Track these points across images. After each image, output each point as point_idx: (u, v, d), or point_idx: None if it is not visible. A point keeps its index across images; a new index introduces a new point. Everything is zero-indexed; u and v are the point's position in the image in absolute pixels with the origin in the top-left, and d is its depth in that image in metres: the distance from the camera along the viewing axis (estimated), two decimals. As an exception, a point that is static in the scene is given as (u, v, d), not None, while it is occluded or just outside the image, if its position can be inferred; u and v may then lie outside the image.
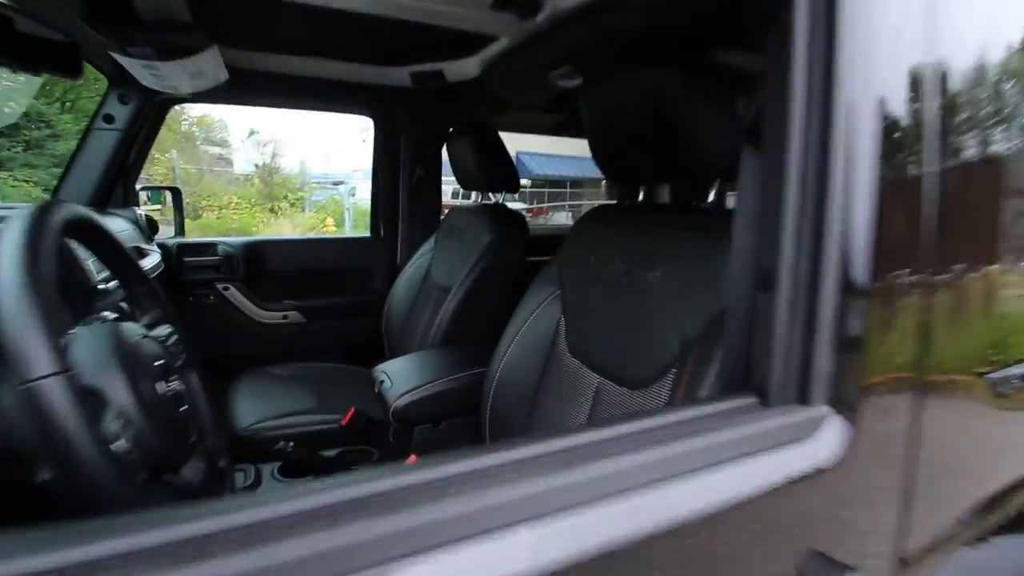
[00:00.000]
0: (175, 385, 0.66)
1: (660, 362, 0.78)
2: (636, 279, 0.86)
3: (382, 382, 1.26)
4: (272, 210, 12.01)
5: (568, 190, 18.32)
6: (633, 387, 0.83)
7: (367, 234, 2.15)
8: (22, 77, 1.16)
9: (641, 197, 0.97)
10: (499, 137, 1.58)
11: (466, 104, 1.91)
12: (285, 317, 1.89)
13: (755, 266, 0.49)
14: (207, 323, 1.79)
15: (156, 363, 0.63)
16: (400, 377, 1.25)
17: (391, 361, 1.36)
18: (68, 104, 11.05)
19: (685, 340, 0.75)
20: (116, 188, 1.65)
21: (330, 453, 1.33)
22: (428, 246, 1.77)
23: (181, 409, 0.65)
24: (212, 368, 1.83)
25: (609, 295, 0.90)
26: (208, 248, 1.81)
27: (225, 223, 10.54)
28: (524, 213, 1.70)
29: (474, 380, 1.23)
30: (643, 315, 0.83)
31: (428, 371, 1.27)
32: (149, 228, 1.64)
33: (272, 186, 12.79)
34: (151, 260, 1.49)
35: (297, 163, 14.57)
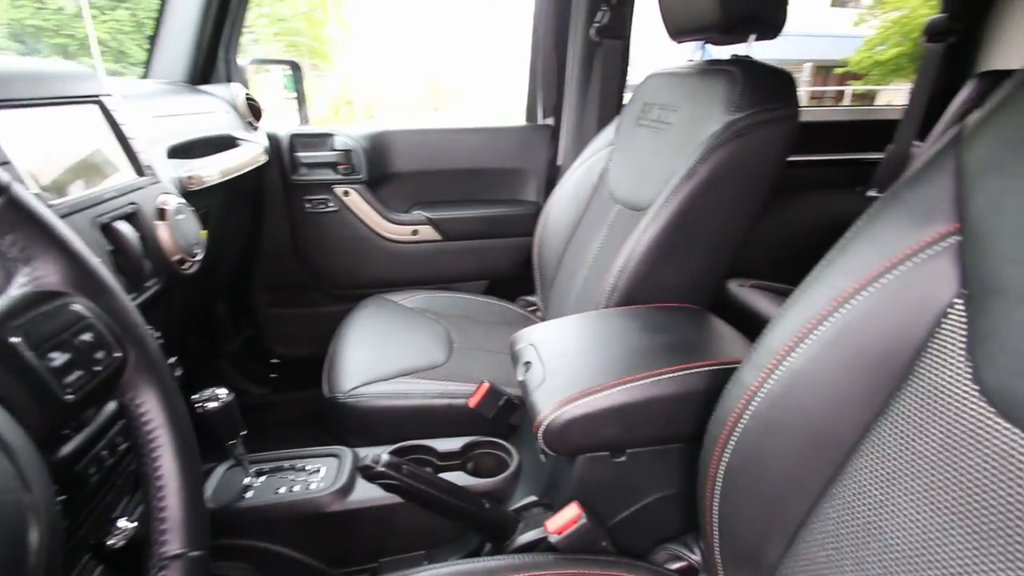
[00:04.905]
0: None
1: None
2: None
3: (527, 365, 0.74)
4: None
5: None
6: None
7: (522, 122, 1.57)
8: None
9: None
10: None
11: None
12: (415, 232, 1.46)
13: None
14: (324, 236, 1.44)
15: None
16: (558, 366, 0.71)
17: (543, 326, 0.83)
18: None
19: None
20: (216, 59, 1.30)
21: (451, 446, 0.89)
22: (605, 138, 1.14)
23: None
24: (327, 292, 1.60)
25: None
26: (324, 141, 1.41)
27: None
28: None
29: (703, 384, 0.65)
30: None
31: (610, 359, 0.71)
32: (251, 112, 1.28)
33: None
34: (244, 153, 1.12)
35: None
